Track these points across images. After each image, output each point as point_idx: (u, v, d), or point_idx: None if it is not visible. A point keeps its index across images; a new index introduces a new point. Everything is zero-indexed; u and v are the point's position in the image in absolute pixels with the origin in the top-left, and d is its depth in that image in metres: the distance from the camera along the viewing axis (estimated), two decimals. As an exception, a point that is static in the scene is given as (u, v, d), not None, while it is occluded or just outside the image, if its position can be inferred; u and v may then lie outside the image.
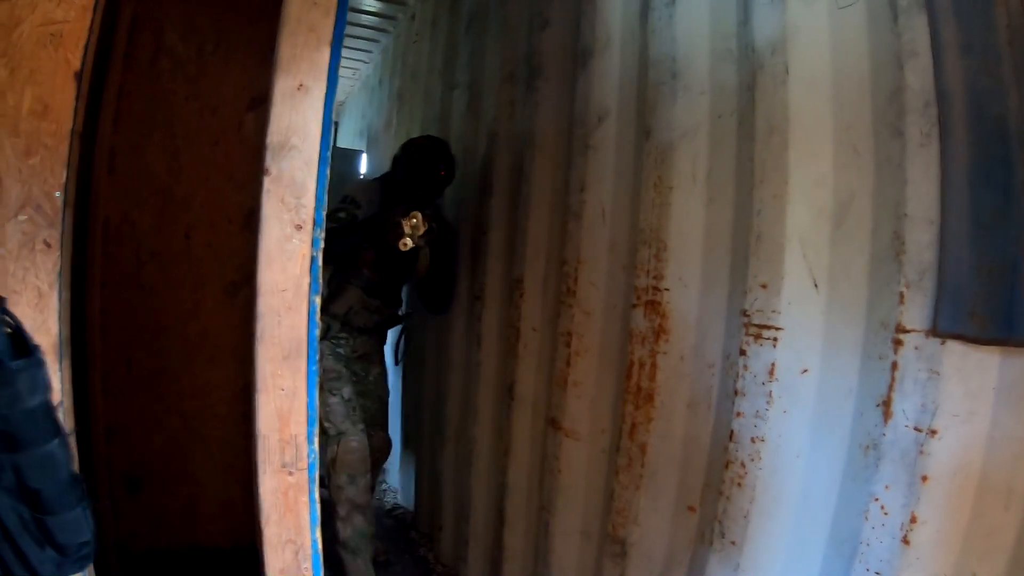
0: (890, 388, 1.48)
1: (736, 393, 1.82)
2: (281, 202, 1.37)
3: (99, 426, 2.92)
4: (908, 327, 1.45)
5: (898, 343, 1.47)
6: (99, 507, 2.93)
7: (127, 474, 3.04)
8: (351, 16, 5.01)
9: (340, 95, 7.25)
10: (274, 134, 1.36)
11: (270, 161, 1.36)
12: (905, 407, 1.45)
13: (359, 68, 6.44)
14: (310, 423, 1.46)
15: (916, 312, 1.45)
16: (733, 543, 1.81)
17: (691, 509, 1.97)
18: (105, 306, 2.90)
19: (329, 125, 1.40)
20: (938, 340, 1.40)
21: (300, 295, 1.40)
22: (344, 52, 5.75)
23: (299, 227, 1.38)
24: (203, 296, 3.09)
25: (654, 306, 2.11)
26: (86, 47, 1.50)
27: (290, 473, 1.45)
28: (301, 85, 1.38)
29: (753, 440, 1.77)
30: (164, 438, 3.09)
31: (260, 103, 1.38)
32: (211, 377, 3.13)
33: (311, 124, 1.38)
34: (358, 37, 5.60)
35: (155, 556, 3.10)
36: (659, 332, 2.10)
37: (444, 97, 3.98)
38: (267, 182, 1.37)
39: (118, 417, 2.97)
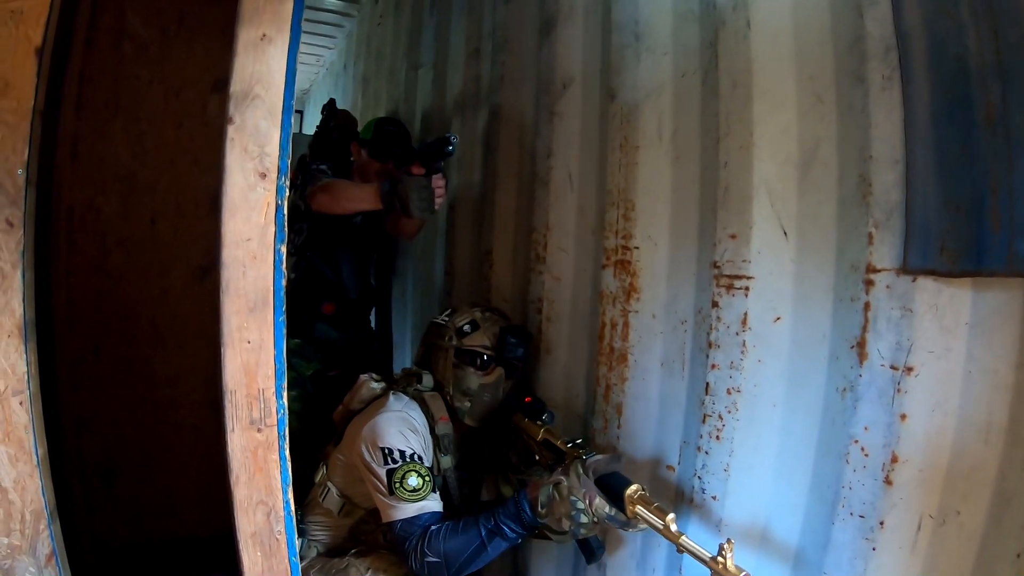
0: (864, 329, 1.48)
1: (710, 346, 1.82)
2: (244, 151, 1.34)
3: (69, 417, 2.88)
4: (878, 267, 1.46)
5: (869, 283, 1.47)
6: (72, 501, 2.89)
7: (101, 466, 3.01)
8: (315, 2, 5.01)
9: (304, 83, 7.20)
10: (237, 83, 1.33)
11: (233, 110, 1.33)
12: (880, 347, 1.45)
13: (323, 55, 6.42)
14: (278, 377, 1.43)
15: (886, 251, 1.45)
16: (714, 498, 1.81)
17: (670, 468, 1.97)
18: (71, 295, 2.87)
19: (293, 75, 1.37)
20: (909, 277, 1.41)
21: (265, 245, 1.37)
22: (308, 39, 5.80)
23: (263, 175, 1.35)
24: (171, 282, 3.06)
25: (624, 265, 2.11)
26: (47, 24, 1.48)
27: (259, 430, 1.42)
28: (264, 35, 1.35)
29: (729, 392, 1.77)
30: (137, 427, 3.06)
31: (224, 85, 1.35)
32: (182, 364, 3.10)
33: (275, 73, 1.35)
34: (322, 23, 5.58)
35: (132, 549, 3.06)
36: (630, 291, 2.09)
37: (409, 77, 3.97)
38: (230, 131, 1.33)
39: (88, 407, 2.93)
